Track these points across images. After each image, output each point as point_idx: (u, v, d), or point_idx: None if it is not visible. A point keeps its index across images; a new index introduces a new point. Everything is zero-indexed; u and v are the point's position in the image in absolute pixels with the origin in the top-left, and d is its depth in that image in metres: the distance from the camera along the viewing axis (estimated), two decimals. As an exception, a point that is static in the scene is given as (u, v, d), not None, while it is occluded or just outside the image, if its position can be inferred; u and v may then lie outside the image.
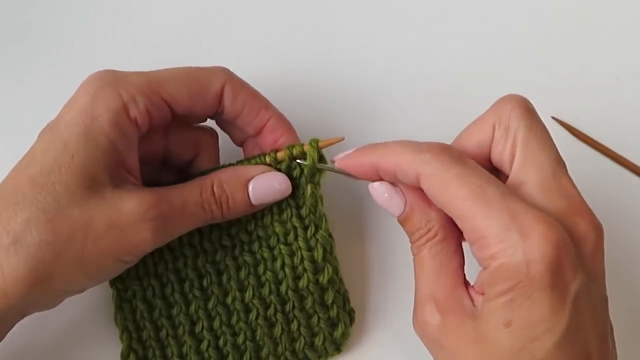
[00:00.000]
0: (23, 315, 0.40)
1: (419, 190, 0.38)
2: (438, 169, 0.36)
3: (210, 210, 0.41)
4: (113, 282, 0.44)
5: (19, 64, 0.54)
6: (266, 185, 0.42)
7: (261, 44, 0.56)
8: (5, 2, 0.56)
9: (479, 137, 0.39)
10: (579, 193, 0.37)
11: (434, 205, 0.38)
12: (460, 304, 0.37)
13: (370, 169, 0.39)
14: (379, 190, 0.40)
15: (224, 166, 0.43)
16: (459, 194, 0.35)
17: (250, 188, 0.42)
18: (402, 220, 0.40)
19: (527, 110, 0.38)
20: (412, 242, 0.40)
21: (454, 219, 0.36)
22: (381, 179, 0.40)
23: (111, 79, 0.40)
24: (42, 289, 0.37)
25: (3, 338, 0.40)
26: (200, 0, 0.57)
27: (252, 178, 0.42)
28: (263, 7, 0.57)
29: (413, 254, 0.40)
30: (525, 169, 0.37)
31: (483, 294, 0.36)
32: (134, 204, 0.38)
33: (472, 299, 0.37)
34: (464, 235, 0.36)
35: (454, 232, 0.39)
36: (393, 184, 0.40)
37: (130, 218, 0.38)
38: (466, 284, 0.38)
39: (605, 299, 0.37)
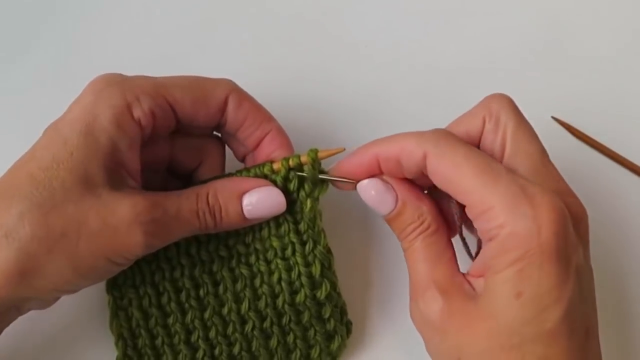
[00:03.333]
0: (18, 311, 0.39)
1: (408, 184, 0.40)
2: (446, 147, 0.37)
3: (204, 219, 0.41)
4: (109, 289, 0.44)
5: (24, 67, 0.54)
6: (260, 200, 0.41)
7: (261, 44, 0.55)
8: (11, 5, 0.56)
9: (468, 128, 0.40)
10: (563, 179, 0.40)
11: (424, 199, 0.40)
12: (462, 288, 0.38)
13: (372, 161, 0.40)
14: (368, 188, 0.40)
15: (225, 176, 0.43)
16: (468, 170, 0.36)
17: (244, 201, 0.41)
18: (394, 217, 0.40)
19: (514, 106, 0.41)
20: (403, 238, 0.40)
21: (459, 194, 0.37)
22: (380, 174, 0.40)
23: (117, 80, 0.40)
24: (32, 284, 0.37)
25: (0, 334, 0.39)
26: (201, 3, 0.57)
27: (247, 191, 0.41)
28: (263, 7, 0.56)
29: (405, 249, 0.40)
30: (517, 157, 0.39)
31: (482, 276, 0.37)
32: (128, 205, 0.38)
33: (470, 285, 0.38)
34: (469, 210, 0.37)
35: (444, 226, 0.40)
36: (384, 180, 0.40)
37: (123, 219, 0.38)
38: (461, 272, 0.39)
39: (593, 278, 0.39)
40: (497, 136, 0.40)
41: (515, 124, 0.39)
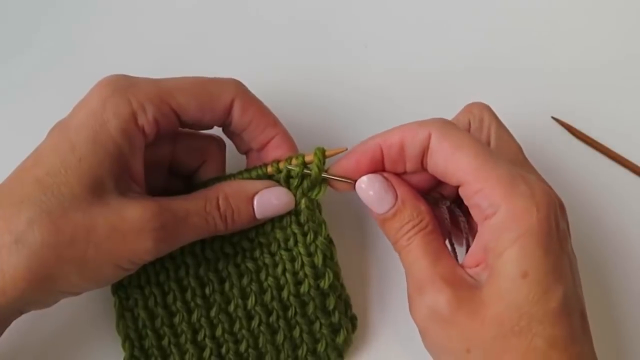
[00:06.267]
0: (21, 313, 0.39)
1: (407, 184, 0.41)
2: (449, 129, 0.39)
3: (213, 222, 0.41)
4: (115, 291, 0.44)
5: (24, 70, 0.54)
6: (270, 200, 0.43)
7: (261, 43, 0.55)
8: (14, 7, 0.56)
9: None
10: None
11: (421, 198, 0.41)
12: (464, 279, 0.38)
13: (375, 151, 0.40)
14: (368, 185, 0.41)
15: (226, 177, 0.44)
16: (469, 150, 0.38)
17: (255, 202, 0.42)
18: (391, 215, 0.41)
19: (492, 110, 0.43)
20: (400, 237, 0.40)
21: (458, 171, 0.38)
22: (382, 169, 0.41)
23: (123, 85, 0.40)
24: (40, 289, 0.37)
25: (1, 335, 0.39)
26: (203, 3, 0.57)
27: (257, 192, 0.42)
28: (263, 7, 0.57)
29: (402, 247, 0.40)
30: (502, 154, 0.41)
31: (479, 265, 0.38)
32: (137, 212, 0.38)
33: (470, 276, 0.38)
34: (466, 189, 0.38)
35: (439, 228, 0.41)
36: (384, 177, 0.41)
37: (133, 226, 0.38)
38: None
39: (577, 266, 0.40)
40: (482, 135, 0.42)
41: (496, 124, 0.42)
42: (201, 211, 0.41)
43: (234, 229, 0.43)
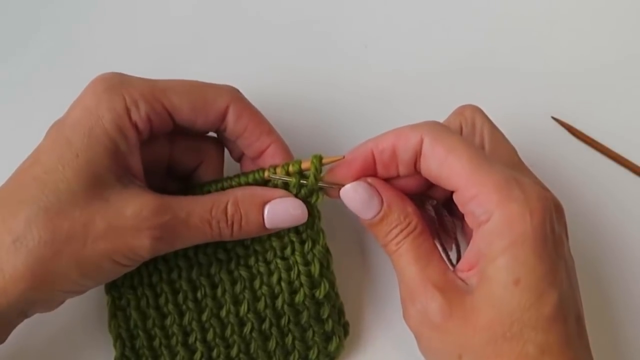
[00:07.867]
0: (25, 316, 0.40)
1: (392, 187, 0.41)
2: (442, 133, 0.39)
3: (217, 227, 0.41)
4: (108, 290, 0.44)
5: (24, 69, 0.54)
6: (283, 210, 0.41)
7: (260, 44, 0.55)
8: (14, 6, 0.56)
9: None
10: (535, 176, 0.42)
11: (408, 200, 0.40)
12: (456, 284, 0.38)
13: (367, 156, 0.40)
14: (351, 192, 0.40)
15: (224, 180, 0.43)
16: (462, 153, 0.37)
17: (266, 211, 0.41)
18: (379, 220, 0.40)
19: (484, 113, 0.43)
20: (389, 241, 0.40)
21: (453, 176, 0.38)
22: (373, 174, 0.41)
23: (117, 82, 0.40)
24: (41, 288, 0.37)
25: (6, 338, 0.40)
26: (202, 4, 0.57)
27: (269, 201, 0.41)
28: (263, 7, 0.56)
29: (392, 252, 0.40)
30: (495, 156, 0.41)
31: (472, 269, 0.37)
32: (136, 208, 0.38)
33: (462, 280, 0.38)
34: (460, 195, 0.38)
35: (428, 228, 0.40)
36: (368, 183, 0.40)
37: (131, 222, 0.38)
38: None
39: (575, 268, 0.40)
40: (475, 138, 0.42)
41: (489, 127, 0.42)
42: (205, 214, 0.40)
43: (241, 236, 0.42)
